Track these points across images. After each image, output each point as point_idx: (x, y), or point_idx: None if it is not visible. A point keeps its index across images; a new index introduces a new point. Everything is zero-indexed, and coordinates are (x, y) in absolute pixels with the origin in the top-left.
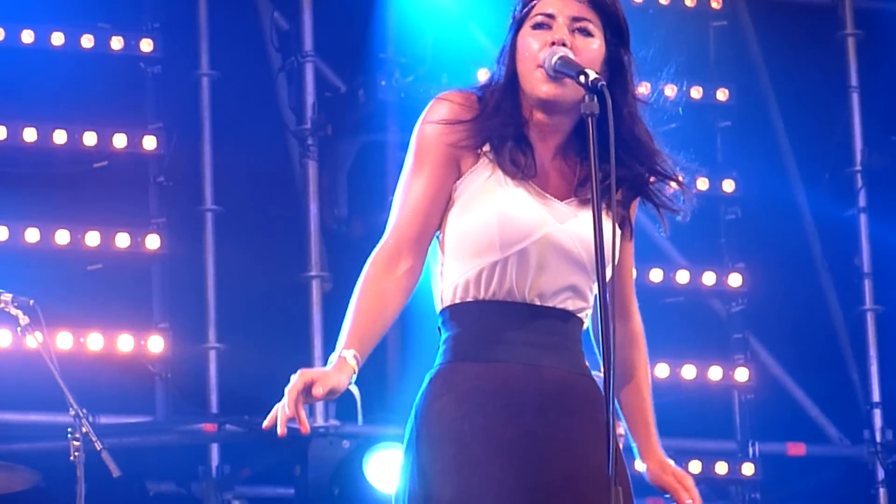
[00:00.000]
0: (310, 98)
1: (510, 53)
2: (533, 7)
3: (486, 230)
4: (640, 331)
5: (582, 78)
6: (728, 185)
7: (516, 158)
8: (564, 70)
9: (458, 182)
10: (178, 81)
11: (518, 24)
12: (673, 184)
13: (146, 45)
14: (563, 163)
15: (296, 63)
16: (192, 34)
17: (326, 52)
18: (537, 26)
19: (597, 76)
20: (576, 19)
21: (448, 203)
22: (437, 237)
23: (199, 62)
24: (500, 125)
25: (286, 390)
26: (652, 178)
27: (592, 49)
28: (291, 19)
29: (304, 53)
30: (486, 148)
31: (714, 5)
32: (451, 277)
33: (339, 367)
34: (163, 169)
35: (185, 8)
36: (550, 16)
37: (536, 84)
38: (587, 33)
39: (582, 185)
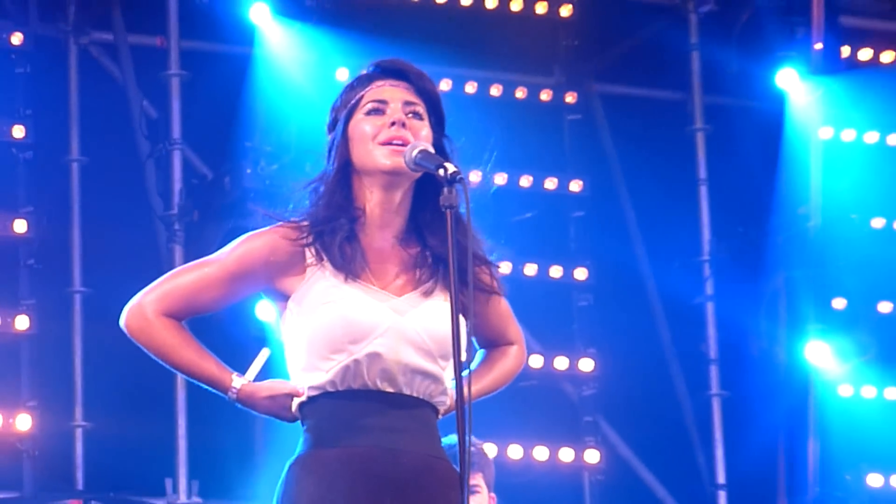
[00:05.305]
0: (177, 184)
1: (342, 142)
2: (362, 97)
3: (332, 333)
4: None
5: (441, 171)
6: (580, 273)
7: (344, 251)
8: (424, 163)
9: (294, 295)
10: (48, 167)
11: (349, 115)
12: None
13: (18, 132)
14: (404, 252)
15: (164, 150)
16: (62, 121)
17: (194, 140)
18: (371, 112)
19: (455, 169)
20: (408, 104)
21: (284, 313)
22: (285, 339)
23: (69, 148)
24: (330, 219)
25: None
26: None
27: (424, 133)
28: (160, 108)
29: (171, 141)
30: (316, 255)
31: (569, 100)
32: (305, 377)
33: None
34: (33, 252)
35: (57, 95)
36: (384, 101)
37: (378, 158)
38: (419, 117)
39: (425, 278)
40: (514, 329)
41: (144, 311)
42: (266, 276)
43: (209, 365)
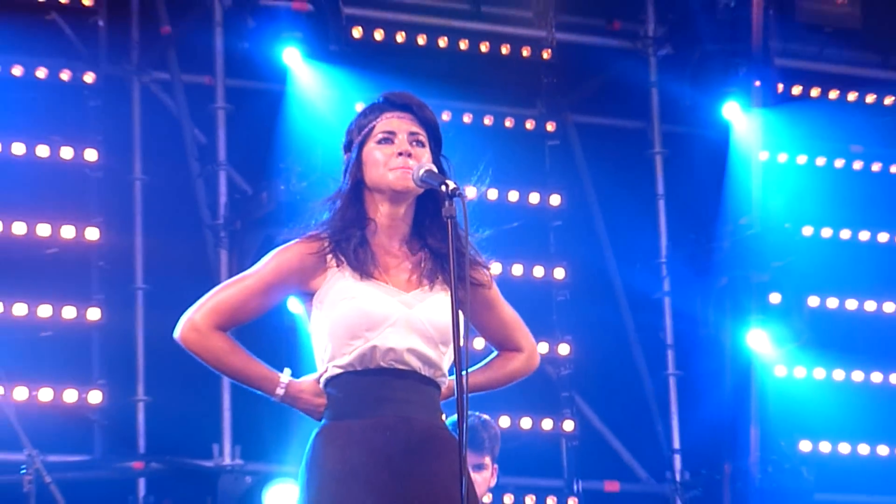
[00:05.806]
0: (222, 199)
1: (356, 165)
2: (374, 127)
3: (351, 323)
4: (525, 355)
5: (443, 187)
6: (559, 273)
7: (358, 254)
8: (429, 181)
9: (317, 294)
10: (115, 184)
11: (362, 142)
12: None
13: (90, 155)
14: (410, 254)
15: (211, 170)
16: (127, 146)
17: (236, 162)
18: (381, 141)
19: (455, 186)
20: (412, 133)
21: (311, 309)
22: (311, 330)
23: (133, 168)
24: (345, 228)
25: (310, 377)
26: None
27: (425, 158)
28: (208, 135)
29: (218, 163)
30: (335, 259)
31: (549, 128)
32: (329, 361)
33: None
34: (102, 255)
35: (122, 124)
36: (392, 132)
37: (391, 181)
38: (421, 144)
39: (428, 276)
40: (523, 337)
41: (197, 325)
42: (297, 282)
43: (259, 368)
